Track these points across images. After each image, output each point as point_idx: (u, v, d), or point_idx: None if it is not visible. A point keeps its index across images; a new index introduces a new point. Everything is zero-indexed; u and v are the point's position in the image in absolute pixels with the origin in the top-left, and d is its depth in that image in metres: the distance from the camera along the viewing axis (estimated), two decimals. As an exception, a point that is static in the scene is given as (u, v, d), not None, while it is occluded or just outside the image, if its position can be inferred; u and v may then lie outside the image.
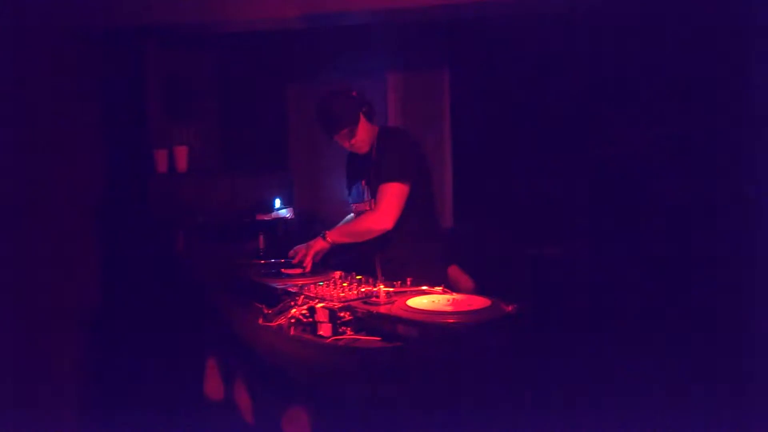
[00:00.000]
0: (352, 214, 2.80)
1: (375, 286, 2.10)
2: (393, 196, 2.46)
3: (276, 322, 2.04)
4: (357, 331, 1.93)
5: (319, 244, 2.52)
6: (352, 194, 2.74)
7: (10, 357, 2.80)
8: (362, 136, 2.55)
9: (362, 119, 2.54)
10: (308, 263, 2.50)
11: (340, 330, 1.91)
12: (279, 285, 2.33)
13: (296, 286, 2.27)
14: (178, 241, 3.18)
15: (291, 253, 2.61)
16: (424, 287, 2.13)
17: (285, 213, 3.29)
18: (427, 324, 1.77)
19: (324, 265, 2.60)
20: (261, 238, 3.04)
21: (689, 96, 3.26)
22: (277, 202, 3.28)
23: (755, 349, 2.48)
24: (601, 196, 3.52)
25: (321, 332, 1.93)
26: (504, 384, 1.68)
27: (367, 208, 2.60)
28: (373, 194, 2.55)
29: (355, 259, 2.62)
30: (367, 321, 1.92)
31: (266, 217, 3.24)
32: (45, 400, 2.96)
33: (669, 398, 2.31)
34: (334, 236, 2.53)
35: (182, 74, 3.65)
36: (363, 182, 2.62)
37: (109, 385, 3.12)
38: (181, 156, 3.44)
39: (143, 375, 2.94)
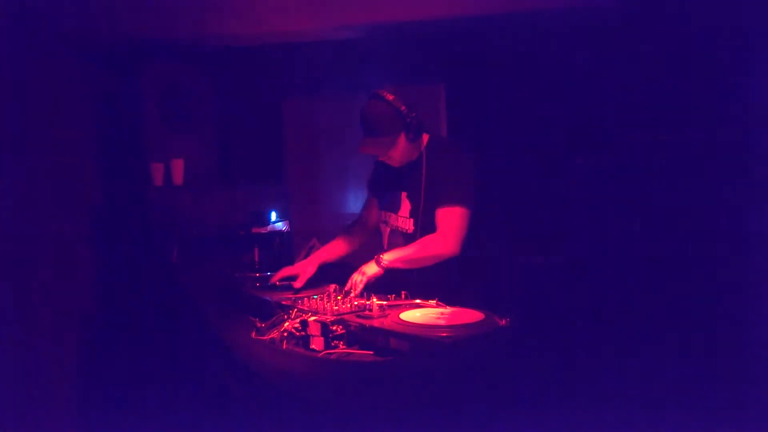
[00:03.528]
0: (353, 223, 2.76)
1: (368, 300, 2.10)
2: (461, 222, 2.27)
3: (268, 335, 2.03)
4: (350, 345, 1.92)
5: (374, 272, 2.25)
6: (384, 203, 2.53)
7: (9, 357, 2.78)
8: (397, 156, 2.34)
9: (402, 138, 2.30)
10: (360, 290, 2.23)
11: (333, 344, 1.91)
12: (273, 298, 2.32)
13: (290, 299, 2.26)
14: (173, 254, 3.18)
15: (348, 287, 2.26)
16: (418, 300, 2.13)
17: (281, 226, 3.29)
18: (419, 338, 1.76)
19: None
20: (256, 251, 3.03)
21: (687, 99, 3.27)
22: (273, 215, 3.28)
23: (755, 350, 2.47)
24: (599, 205, 3.52)
25: (313, 346, 1.92)
26: (497, 397, 1.67)
27: (399, 224, 2.43)
28: (423, 211, 2.33)
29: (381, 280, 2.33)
30: (359, 334, 1.92)
31: (262, 230, 3.25)
32: (44, 400, 2.95)
33: (668, 406, 2.29)
34: (391, 263, 2.25)
35: (179, 87, 3.66)
36: (403, 194, 2.42)
37: (108, 386, 3.11)
38: (177, 169, 3.45)
39: (140, 378, 2.93)
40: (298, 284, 2.44)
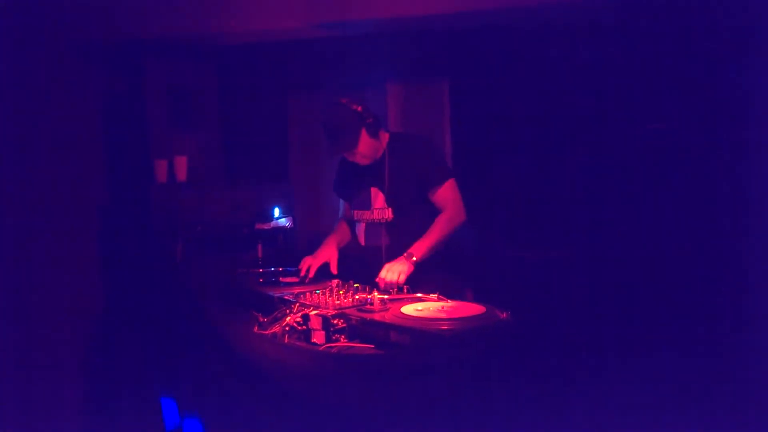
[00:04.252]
0: (341, 223, 2.79)
1: (370, 294, 2.10)
2: (457, 191, 2.51)
3: (270, 330, 2.04)
4: (351, 339, 1.92)
5: (408, 267, 2.32)
6: (355, 202, 2.66)
7: (10, 357, 2.81)
8: (363, 151, 2.49)
9: (363, 134, 2.47)
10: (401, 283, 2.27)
11: (334, 337, 1.91)
12: (276, 293, 2.33)
13: (292, 294, 2.27)
14: (177, 250, 3.19)
15: (380, 282, 2.29)
16: (419, 294, 2.13)
17: (284, 222, 3.29)
18: (419, 331, 1.76)
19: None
20: (260, 247, 3.03)
21: (685, 97, 3.26)
22: (277, 212, 3.28)
23: (755, 350, 2.46)
24: (601, 201, 3.51)
25: (314, 340, 1.93)
26: (497, 390, 1.67)
27: (376, 216, 2.55)
28: (399, 198, 2.49)
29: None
30: (361, 328, 1.92)
31: (265, 227, 3.24)
32: (45, 400, 2.97)
33: (666, 399, 2.29)
34: (422, 256, 2.36)
35: (183, 84, 3.67)
36: (373, 189, 2.56)
37: (111, 383, 3.13)
38: (181, 166, 3.45)
39: (144, 372, 2.94)
40: (334, 270, 2.57)
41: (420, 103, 4.07)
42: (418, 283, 2.23)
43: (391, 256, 2.42)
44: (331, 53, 3.84)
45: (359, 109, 2.46)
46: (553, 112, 3.79)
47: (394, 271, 2.29)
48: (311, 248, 2.69)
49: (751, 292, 2.65)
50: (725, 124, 3.06)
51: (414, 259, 2.34)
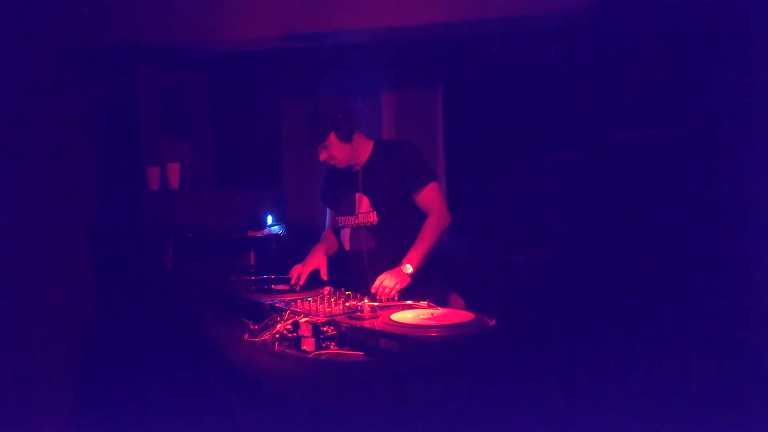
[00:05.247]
0: (328, 231, 2.80)
1: (360, 301, 2.10)
2: (441, 194, 2.56)
3: (261, 337, 2.04)
4: (341, 346, 1.93)
5: (405, 279, 2.33)
6: (340, 208, 2.68)
7: (7, 358, 2.80)
8: (335, 153, 2.54)
9: (332, 138, 2.51)
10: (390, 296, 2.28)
11: (324, 345, 1.91)
12: (267, 301, 2.33)
13: (283, 301, 2.27)
14: (168, 258, 3.19)
15: (373, 289, 2.29)
16: (409, 302, 2.14)
17: (277, 229, 3.29)
18: (409, 338, 1.76)
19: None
20: (252, 254, 3.03)
21: (681, 98, 3.27)
22: (269, 219, 3.29)
23: (753, 355, 2.46)
24: (596, 205, 3.52)
25: (304, 347, 1.93)
26: (486, 396, 1.68)
27: (361, 220, 2.57)
28: (384, 201, 2.53)
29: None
30: (351, 335, 1.92)
31: (258, 234, 3.25)
32: (42, 401, 2.96)
33: (665, 400, 2.30)
34: (416, 266, 2.36)
35: (176, 91, 3.67)
36: (357, 195, 2.59)
37: (103, 388, 3.12)
38: (174, 173, 3.45)
39: (135, 380, 2.94)
40: (324, 276, 2.57)
41: (414, 111, 4.09)
42: (408, 290, 2.24)
43: (376, 259, 2.45)
44: (326, 61, 3.86)
45: (332, 112, 2.52)
46: (546, 119, 3.80)
47: (389, 283, 2.28)
48: (304, 254, 2.69)
49: (751, 292, 2.65)
50: (725, 124, 3.07)
51: (410, 270, 2.34)
